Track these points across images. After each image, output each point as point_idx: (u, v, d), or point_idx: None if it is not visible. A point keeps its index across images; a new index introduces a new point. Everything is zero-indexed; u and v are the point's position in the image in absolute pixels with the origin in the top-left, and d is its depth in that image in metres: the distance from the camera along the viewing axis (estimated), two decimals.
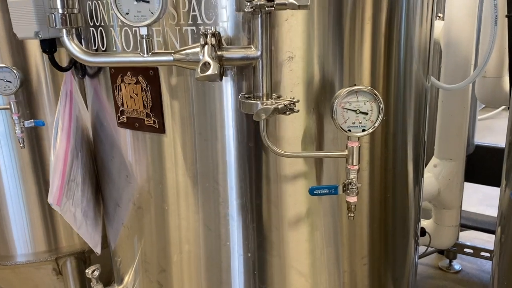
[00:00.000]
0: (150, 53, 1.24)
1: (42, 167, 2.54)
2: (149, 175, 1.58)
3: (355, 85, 1.28)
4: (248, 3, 1.11)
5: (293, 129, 1.41)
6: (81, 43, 1.58)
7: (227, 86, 1.37)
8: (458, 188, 2.88)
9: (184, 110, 1.45)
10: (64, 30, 1.24)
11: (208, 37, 1.15)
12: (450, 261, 3.94)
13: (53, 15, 1.22)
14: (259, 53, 1.22)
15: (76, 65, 1.78)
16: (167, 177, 1.55)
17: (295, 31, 1.33)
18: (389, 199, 1.67)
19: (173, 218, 1.59)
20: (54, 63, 1.70)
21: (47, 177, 2.53)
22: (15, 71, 2.15)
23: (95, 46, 1.58)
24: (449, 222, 2.97)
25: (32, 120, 2.27)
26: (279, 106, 1.18)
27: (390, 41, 1.49)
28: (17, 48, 2.43)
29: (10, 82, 2.16)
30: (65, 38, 1.25)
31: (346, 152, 1.32)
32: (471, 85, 2.79)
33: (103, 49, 1.54)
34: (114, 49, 1.49)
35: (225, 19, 1.32)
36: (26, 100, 2.48)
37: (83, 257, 2.82)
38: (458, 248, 3.62)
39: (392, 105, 1.54)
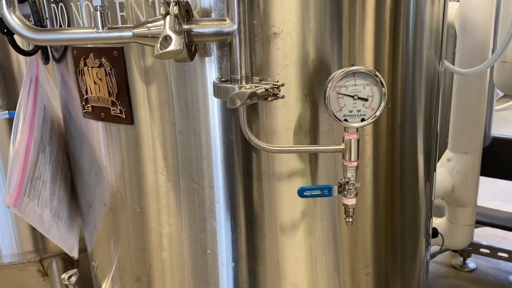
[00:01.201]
0: (105, 28, 1.03)
1: None
2: (121, 173, 1.38)
3: (352, 65, 1.06)
4: None
5: (284, 120, 1.20)
6: (41, 22, 1.39)
7: (211, 69, 1.16)
8: (474, 184, 2.64)
9: (158, 97, 1.24)
10: (4, 1, 1.03)
11: (171, 6, 0.94)
12: (464, 259, 3.72)
13: None
14: (235, 26, 1.00)
15: (42, 49, 1.58)
16: (142, 176, 1.35)
17: (281, 2, 1.12)
18: (396, 200, 1.45)
19: (149, 222, 1.39)
20: (15, 46, 1.50)
21: None
22: None
23: (57, 25, 1.37)
24: (464, 221, 2.74)
25: (7, 112, 2.08)
26: (258, 91, 0.97)
27: (397, 14, 1.27)
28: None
29: None
30: (5, 11, 1.05)
31: (342, 146, 1.10)
32: (488, 71, 2.54)
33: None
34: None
35: None
36: (4, 89, 2.29)
37: (70, 258, 2.64)
38: (473, 248, 3.38)
39: (399, 90, 1.32)
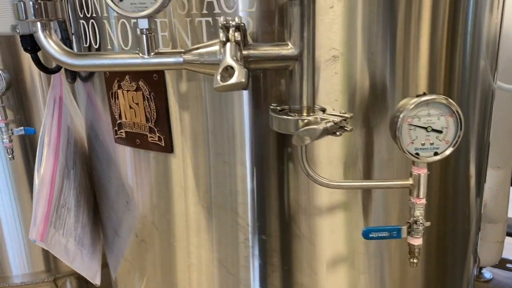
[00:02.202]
0: (152, 54, 0.93)
1: None
2: (153, 203, 1.28)
3: (424, 93, 0.95)
4: None
5: (328, 147, 1.09)
6: (69, 40, 1.28)
7: (249, 97, 1.06)
8: (505, 199, 2.54)
9: (196, 124, 1.14)
10: (39, 24, 0.93)
11: (230, 32, 0.84)
12: (480, 269, 3.61)
13: (21, 3, 0.91)
14: (297, 51, 0.90)
15: None
16: (175, 206, 1.25)
17: (341, 22, 1.01)
18: (449, 231, 1.35)
19: (181, 255, 1.29)
20: (38, 64, 1.40)
21: None
22: (0, 72, 1.86)
23: (86, 43, 1.27)
24: (494, 237, 2.63)
25: (22, 128, 1.97)
26: (328, 125, 0.86)
27: (454, 33, 1.16)
28: (8, 44, 2.14)
29: None
30: (40, 34, 0.94)
31: (410, 182, 1.00)
32: None
33: (96, 46, 1.23)
34: (110, 47, 1.18)
35: (251, 8, 1.00)
36: (18, 103, 2.19)
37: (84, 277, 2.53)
38: (499, 263, 3.27)
39: None
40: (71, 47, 1.28)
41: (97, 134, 1.42)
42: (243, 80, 0.79)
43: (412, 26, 1.08)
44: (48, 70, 1.43)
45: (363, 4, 1.02)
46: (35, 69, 2.22)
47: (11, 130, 1.94)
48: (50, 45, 0.95)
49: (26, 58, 2.18)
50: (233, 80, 0.79)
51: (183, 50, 0.95)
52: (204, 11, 1.03)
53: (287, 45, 0.92)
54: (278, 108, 0.99)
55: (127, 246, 1.44)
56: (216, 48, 0.91)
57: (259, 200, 1.16)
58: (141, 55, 0.94)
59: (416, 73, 1.13)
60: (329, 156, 1.10)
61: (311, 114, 0.93)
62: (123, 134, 1.24)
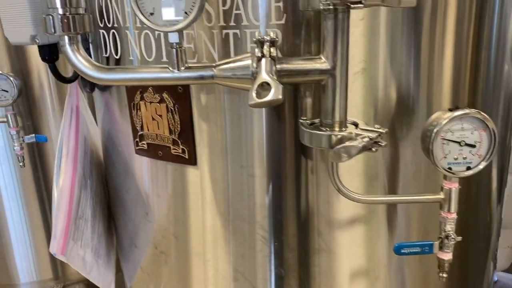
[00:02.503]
0: (182, 68, 0.91)
1: (47, 187, 2.23)
2: (174, 215, 1.26)
3: (457, 107, 0.94)
4: None
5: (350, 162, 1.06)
6: (88, 49, 1.26)
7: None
8: None
9: (218, 136, 1.12)
10: (66, 37, 0.91)
11: (265, 47, 0.82)
12: None
13: (50, 17, 0.89)
14: (331, 64, 0.88)
15: None
16: (196, 218, 1.23)
17: (369, 35, 1.00)
18: (471, 238, 1.34)
19: (202, 269, 1.27)
20: (56, 74, 1.38)
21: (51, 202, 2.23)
22: (11, 79, 1.84)
23: (106, 53, 1.25)
24: (505, 242, 2.62)
25: (34, 135, 1.95)
26: (365, 141, 0.85)
27: (479, 44, 1.15)
28: (16, 50, 2.12)
29: (7, 91, 1.85)
30: (68, 48, 0.92)
31: (441, 196, 0.98)
32: None
33: (117, 57, 1.21)
34: (131, 57, 1.17)
35: (280, 20, 0.98)
36: (27, 110, 2.17)
37: (94, 284, 2.51)
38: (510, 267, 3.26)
39: None
40: (89, 56, 1.26)
41: (115, 144, 1.40)
42: (280, 97, 0.78)
43: (436, 39, 1.07)
44: (65, 79, 1.41)
45: (388, 17, 1.01)
46: (44, 75, 2.20)
47: (22, 137, 1.91)
48: (78, 59, 0.93)
49: (35, 63, 2.16)
50: (269, 97, 0.78)
51: (214, 64, 0.94)
52: (232, 23, 1.01)
53: (319, 58, 0.90)
54: (307, 121, 0.98)
55: (145, 257, 1.42)
56: (248, 62, 0.89)
57: (277, 212, 1.14)
58: (171, 69, 0.93)
59: (441, 85, 1.11)
60: (352, 168, 1.08)
61: (344, 128, 0.92)
62: (145, 145, 1.23)
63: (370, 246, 1.17)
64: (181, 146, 1.16)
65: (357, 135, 0.87)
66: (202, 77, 0.92)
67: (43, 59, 1.33)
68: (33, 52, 2.10)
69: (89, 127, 1.53)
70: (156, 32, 1.10)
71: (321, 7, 0.79)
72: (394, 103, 1.07)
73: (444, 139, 0.93)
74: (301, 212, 1.13)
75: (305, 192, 1.12)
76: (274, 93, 0.78)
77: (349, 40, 0.88)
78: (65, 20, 0.90)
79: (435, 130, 0.92)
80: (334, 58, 0.88)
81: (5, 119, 1.97)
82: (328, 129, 0.92)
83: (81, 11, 0.91)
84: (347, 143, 0.83)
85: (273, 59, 0.83)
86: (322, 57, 0.90)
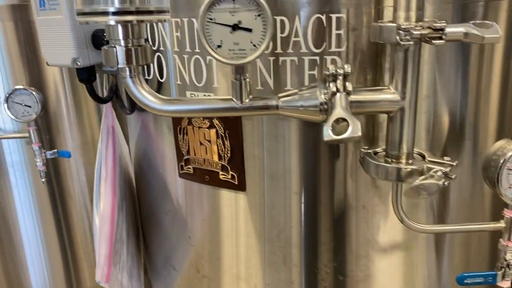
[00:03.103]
0: (247, 100, 0.90)
1: (62, 203, 2.18)
2: (220, 240, 1.25)
3: None
4: (403, 32, 0.77)
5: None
6: None
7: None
8: None
9: (268, 163, 1.11)
10: (128, 69, 0.89)
11: (338, 81, 0.81)
12: None
13: (113, 49, 0.87)
14: (401, 96, 0.88)
15: (117, 95, 1.44)
16: (242, 244, 1.22)
17: (430, 64, 0.99)
18: None
19: None
20: (93, 95, 1.35)
21: (68, 215, 2.19)
22: (34, 93, 1.80)
23: (149, 75, 1.23)
24: None
25: (56, 150, 1.91)
26: (438, 175, 0.84)
27: None
28: (33, 63, 2.07)
29: (30, 106, 1.81)
30: (129, 80, 0.90)
31: (502, 224, 0.98)
32: None
33: (162, 80, 1.20)
34: (179, 82, 1.15)
35: (341, 47, 0.97)
36: (44, 124, 2.12)
37: None
38: None
39: None
40: None
41: (153, 164, 1.38)
42: (359, 134, 0.77)
43: (484, 68, 1.06)
44: (101, 99, 1.39)
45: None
46: (61, 87, 2.16)
47: (44, 153, 1.88)
48: (141, 92, 0.91)
49: (52, 75, 2.12)
50: (348, 134, 0.77)
51: (279, 95, 0.92)
52: (290, 50, 1.00)
53: (388, 89, 0.89)
54: (369, 150, 0.97)
55: (184, 279, 1.40)
56: (317, 93, 0.88)
57: (335, 239, 1.13)
58: (235, 100, 0.91)
59: (488, 111, 1.11)
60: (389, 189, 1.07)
61: (411, 160, 0.91)
62: (191, 170, 1.21)
63: (408, 272, 1.17)
64: (230, 172, 1.14)
65: (428, 169, 0.86)
66: (267, 108, 0.91)
67: (81, 80, 1.30)
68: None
69: (122, 146, 1.50)
70: (208, 58, 1.08)
71: (402, 43, 0.77)
72: (447, 130, 1.06)
73: (510, 169, 0.92)
74: (337, 236, 1.12)
75: (342, 218, 1.11)
76: (353, 130, 0.77)
77: (419, 72, 0.87)
78: (128, 52, 0.87)
79: (501, 161, 0.92)
80: (404, 89, 0.87)
81: (23, 134, 1.93)
82: (394, 160, 0.91)
83: (142, 42, 0.89)
84: (429, 181, 0.82)
85: (348, 93, 0.81)
86: (391, 88, 0.89)
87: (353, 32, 0.96)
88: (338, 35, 0.96)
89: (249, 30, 0.85)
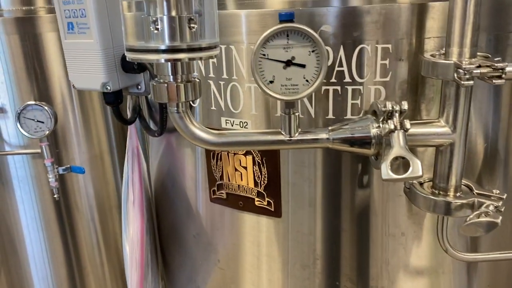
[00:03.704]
0: (296, 134, 0.89)
1: (69, 217, 2.15)
2: (251, 264, 1.24)
3: None
4: (463, 71, 0.77)
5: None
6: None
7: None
8: None
9: (305, 190, 1.11)
10: (176, 104, 0.88)
11: (395, 118, 0.81)
12: None
13: (162, 85, 0.85)
14: (451, 129, 0.88)
15: (140, 115, 1.42)
16: (275, 269, 1.21)
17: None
18: None
19: None
20: (118, 116, 1.33)
21: (75, 228, 2.16)
22: (47, 108, 1.76)
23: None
24: None
25: (69, 166, 1.88)
26: (490, 210, 0.84)
27: None
28: (38, 76, 2.03)
29: (42, 122, 1.77)
30: (176, 115, 0.89)
31: None
32: None
33: (194, 105, 1.18)
34: (214, 108, 1.13)
35: (385, 77, 0.97)
36: (52, 138, 2.09)
37: None
38: None
39: None
40: (161, 106, 1.23)
41: (177, 185, 1.37)
42: (420, 174, 0.76)
43: None
44: (126, 121, 1.37)
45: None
46: (68, 100, 2.12)
47: (57, 168, 1.84)
48: (188, 126, 0.89)
49: (59, 88, 2.08)
50: (409, 173, 0.77)
51: (328, 128, 0.92)
52: (333, 80, 0.99)
53: (438, 122, 0.90)
54: (416, 181, 0.97)
55: None
56: (368, 127, 0.88)
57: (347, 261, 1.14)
58: (283, 133, 0.90)
59: None
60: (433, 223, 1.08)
61: (458, 193, 0.91)
62: (223, 195, 1.20)
63: None
64: (266, 199, 1.13)
65: (479, 203, 0.87)
66: (316, 141, 0.90)
67: (107, 103, 1.28)
68: (57, 76, 2.01)
69: (143, 164, 1.48)
70: (246, 85, 1.07)
71: (462, 82, 0.77)
72: (481, 156, 1.07)
73: None
74: (361, 262, 1.13)
75: (365, 244, 1.11)
76: (414, 170, 0.77)
77: (470, 106, 0.88)
78: (178, 89, 0.86)
79: None
80: (455, 123, 0.87)
81: (30, 150, 1.89)
82: (442, 192, 0.92)
83: (192, 77, 0.87)
84: (487, 219, 0.82)
85: (405, 130, 0.81)
86: (442, 121, 0.89)
87: (397, 62, 0.96)
88: (383, 65, 0.96)
89: (303, 66, 0.84)
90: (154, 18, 0.80)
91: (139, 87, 1.28)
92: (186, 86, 0.86)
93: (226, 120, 1.12)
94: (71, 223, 2.17)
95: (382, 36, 0.95)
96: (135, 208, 1.23)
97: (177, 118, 0.89)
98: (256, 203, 1.15)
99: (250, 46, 1.03)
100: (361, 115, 1.00)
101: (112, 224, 2.29)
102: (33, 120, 1.78)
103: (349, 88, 0.99)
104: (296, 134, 0.90)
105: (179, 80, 0.86)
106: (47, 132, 1.76)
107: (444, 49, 0.91)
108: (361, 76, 0.98)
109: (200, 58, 0.82)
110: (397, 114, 0.82)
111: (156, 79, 0.88)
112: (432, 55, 0.88)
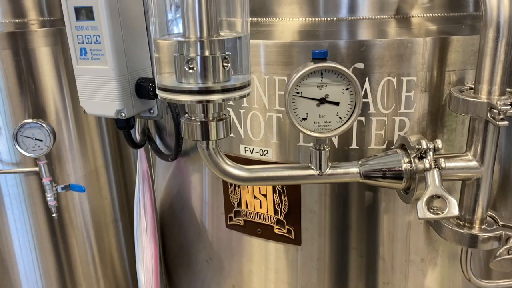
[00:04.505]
0: (328, 168, 0.89)
1: (64, 238, 2.10)
2: None
3: None
4: (497, 111, 0.78)
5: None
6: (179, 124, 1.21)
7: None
8: None
9: (326, 218, 1.11)
10: (207, 142, 0.87)
11: (430, 157, 0.82)
12: None
13: (197, 124, 0.84)
14: (479, 163, 0.89)
15: (149, 137, 1.40)
16: None
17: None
18: None
19: None
20: (130, 141, 1.31)
21: (70, 250, 2.11)
22: (45, 126, 1.72)
23: None
24: None
25: (68, 184, 1.83)
26: None
27: None
28: (32, 92, 1.98)
29: (41, 140, 1.73)
30: (206, 152, 0.88)
31: None
32: None
33: None
34: (232, 135, 1.13)
35: (410, 109, 0.98)
36: (48, 155, 2.03)
37: None
38: None
39: None
40: (178, 132, 1.21)
41: (187, 208, 1.36)
42: (457, 213, 0.78)
43: None
44: (137, 145, 1.35)
45: None
46: (62, 116, 2.07)
47: (55, 187, 1.80)
48: (220, 163, 0.88)
49: (53, 103, 2.03)
50: (446, 214, 0.78)
51: (358, 162, 0.92)
52: None
53: (466, 155, 0.91)
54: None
55: None
56: (399, 161, 0.88)
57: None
58: (313, 168, 0.90)
59: None
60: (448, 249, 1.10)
61: (484, 225, 0.93)
62: (241, 222, 1.19)
63: None
64: (286, 226, 1.13)
65: (506, 236, 0.88)
66: (346, 175, 0.90)
67: (119, 128, 1.26)
68: (50, 91, 1.96)
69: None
70: (268, 114, 1.07)
71: (497, 123, 0.79)
72: (497, 184, 1.09)
73: None
74: None
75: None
76: (451, 210, 0.78)
77: (498, 141, 0.89)
78: (209, 127, 0.85)
79: None
80: (483, 157, 0.89)
81: (23, 169, 1.85)
82: (467, 224, 0.93)
83: (222, 114, 0.86)
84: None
85: (440, 169, 0.82)
86: (469, 155, 0.90)
87: (421, 94, 0.97)
88: (408, 97, 0.97)
89: (337, 103, 0.84)
90: (188, 58, 0.78)
91: (152, 111, 1.27)
92: (217, 124, 0.85)
93: (245, 147, 1.12)
94: (66, 240, 2.12)
95: (407, 69, 0.96)
96: (148, 234, 1.21)
97: (207, 155, 0.88)
98: (276, 230, 1.15)
99: (273, 77, 1.03)
100: (384, 146, 1.01)
101: (108, 240, 2.25)
102: (31, 138, 1.73)
103: (374, 119, 1.00)
104: (327, 170, 0.90)
105: (210, 119, 0.84)
106: (47, 150, 1.72)
107: (468, 82, 0.93)
108: (385, 108, 0.99)
109: (234, 99, 0.81)
110: (431, 152, 0.83)
111: (186, 116, 0.86)
112: (460, 91, 0.89)
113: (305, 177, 0.90)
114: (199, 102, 0.81)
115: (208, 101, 0.80)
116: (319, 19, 1.12)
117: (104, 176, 2.19)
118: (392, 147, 0.98)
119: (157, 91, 0.83)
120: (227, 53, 0.81)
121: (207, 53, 0.79)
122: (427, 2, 1.10)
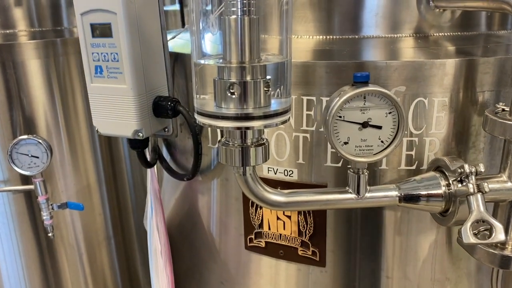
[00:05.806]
0: (367, 192, 0.88)
1: (52, 259, 2.02)
2: None
3: None
4: None
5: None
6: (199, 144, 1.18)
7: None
8: None
9: (352, 239, 1.10)
10: (244, 168, 0.84)
11: (472, 181, 0.81)
12: None
13: (237, 150, 0.81)
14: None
15: (159, 156, 1.36)
16: None
17: None
18: None
19: None
20: (143, 160, 1.27)
21: (60, 269, 2.04)
22: (41, 142, 1.65)
23: (209, 143, 1.17)
24: None
25: (65, 202, 1.76)
26: None
27: None
28: (21, 106, 1.90)
29: (37, 157, 1.66)
30: (242, 178, 0.85)
31: None
32: None
33: None
34: None
35: (440, 129, 0.98)
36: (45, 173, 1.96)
37: None
38: None
39: None
40: (197, 152, 1.18)
41: (198, 227, 1.32)
42: (504, 238, 0.78)
43: None
44: (149, 164, 1.31)
45: None
46: (54, 131, 2.00)
47: (51, 205, 1.73)
48: (258, 189, 0.86)
49: (43, 117, 1.96)
50: (492, 239, 0.78)
51: (396, 186, 0.91)
52: None
53: (500, 176, 0.91)
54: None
55: None
56: (439, 184, 0.88)
57: None
58: (351, 191, 0.89)
59: None
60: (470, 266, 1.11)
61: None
62: (262, 243, 1.16)
63: None
64: (311, 248, 1.11)
65: None
66: (385, 199, 0.89)
67: (133, 148, 1.21)
68: (41, 103, 1.89)
69: None
70: (294, 134, 1.05)
71: None
72: None
73: None
74: None
75: None
76: (497, 235, 0.78)
77: None
78: (248, 153, 0.82)
79: None
80: None
81: (11, 188, 1.78)
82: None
83: (261, 139, 0.84)
84: None
85: (483, 193, 0.82)
86: (504, 176, 0.91)
87: (452, 114, 0.97)
88: (439, 118, 0.97)
89: (379, 127, 0.83)
90: (229, 83, 0.76)
91: (167, 129, 1.23)
92: (257, 150, 0.82)
93: (269, 168, 1.10)
94: (56, 259, 2.04)
95: (439, 89, 0.96)
96: (163, 257, 1.17)
97: (244, 181, 0.86)
98: (299, 252, 1.13)
99: (301, 97, 1.01)
100: (414, 166, 1.00)
101: (100, 258, 2.19)
102: (27, 155, 1.66)
103: (405, 139, 0.99)
104: (366, 194, 0.88)
105: (249, 144, 0.82)
106: (43, 167, 1.65)
107: (499, 104, 0.94)
108: (417, 128, 0.98)
109: (276, 124, 0.79)
110: (473, 176, 0.83)
111: (224, 140, 0.84)
112: (495, 112, 0.89)
113: (343, 201, 0.89)
114: (238, 128, 0.78)
115: (247, 128, 0.78)
116: (335, 37, 1.12)
117: (97, 193, 2.13)
118: (424, 167, 0.98)
119: (196, 116, 0.80)
120: (268, 77, 0.79)
121: (248, 78, 0.77)
122: (446, 22, 1.11)
